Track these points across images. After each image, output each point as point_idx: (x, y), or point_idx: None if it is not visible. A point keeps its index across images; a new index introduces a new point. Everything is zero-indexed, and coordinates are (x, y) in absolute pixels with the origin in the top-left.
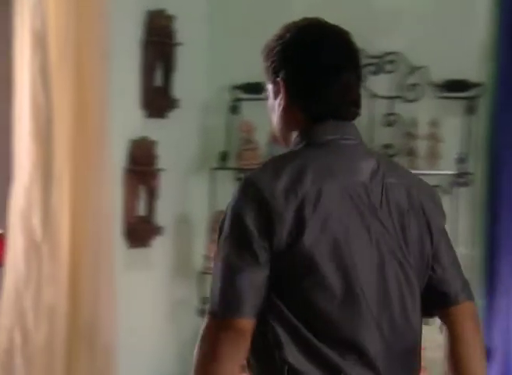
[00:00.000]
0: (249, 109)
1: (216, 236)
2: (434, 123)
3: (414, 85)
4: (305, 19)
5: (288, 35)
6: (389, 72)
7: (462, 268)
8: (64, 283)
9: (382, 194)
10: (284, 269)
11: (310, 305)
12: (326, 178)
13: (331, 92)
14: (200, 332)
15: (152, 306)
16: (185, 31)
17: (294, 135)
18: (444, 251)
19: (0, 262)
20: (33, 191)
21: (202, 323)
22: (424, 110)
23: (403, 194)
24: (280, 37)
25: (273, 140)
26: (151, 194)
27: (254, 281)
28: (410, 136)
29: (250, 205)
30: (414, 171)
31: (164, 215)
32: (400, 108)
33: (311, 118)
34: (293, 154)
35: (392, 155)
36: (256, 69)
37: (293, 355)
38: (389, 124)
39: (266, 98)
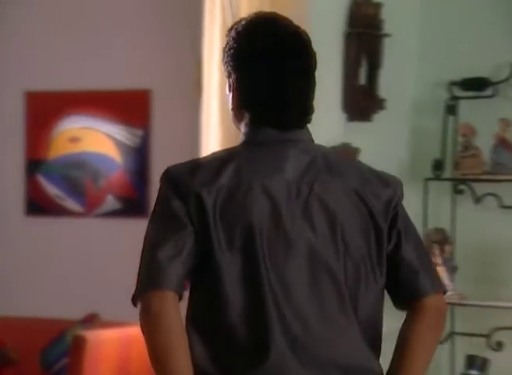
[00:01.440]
0: (468, 109)
1: None
2: None
3: None
4: (252, 21)
5: (238, 38)
6: None
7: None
8: None
9: (309, 194)
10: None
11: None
12: (247, 175)
13: (275, 100)
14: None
15: None
16: (393, 21)
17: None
18: (404, 247)
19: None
20: None
21: None
22: None
23: (341, 194)
24: (233, 38)
25: (500, 144)
26: None
27: (178, 250)
28: None
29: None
30: None
31: None
32: None
33: (255, 120)
34: (226, 150)
35: None
36: (477, 62)
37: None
38: None
39: (490, 96)
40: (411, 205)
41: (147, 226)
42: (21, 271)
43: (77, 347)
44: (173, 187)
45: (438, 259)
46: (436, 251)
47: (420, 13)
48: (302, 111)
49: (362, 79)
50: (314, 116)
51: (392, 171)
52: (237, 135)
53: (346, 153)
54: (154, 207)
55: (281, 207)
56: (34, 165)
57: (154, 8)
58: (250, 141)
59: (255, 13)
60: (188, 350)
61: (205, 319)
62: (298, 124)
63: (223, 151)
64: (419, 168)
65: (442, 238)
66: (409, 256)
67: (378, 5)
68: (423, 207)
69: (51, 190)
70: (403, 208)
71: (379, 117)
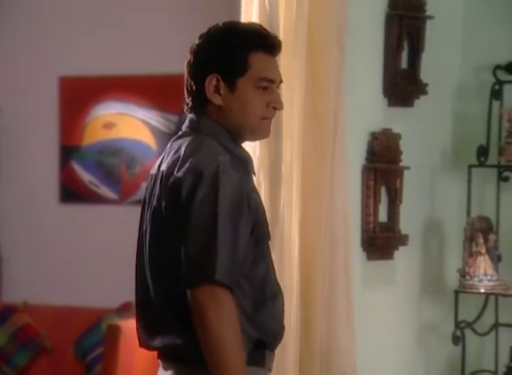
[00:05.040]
0: None
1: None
2: None
3: None
4: None
5: None
6: None
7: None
8: (293, 295)
9: (152, 186)
10: None
11: None
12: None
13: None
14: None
15: (396, 330)
16: (436, 3)
17: None
18: (182, 238)
19: None
20: (260, 191)
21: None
22: None
23: (158, 184)
24: None
25: None
26: (395, 197)
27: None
28: None
29: None
30: None
31: (409, 221)
32: None
33: None
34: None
35: None
36: None
37: None
38: None
39: None
40: (455, 192)
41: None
42: (55, 259)
43: (112, 336)
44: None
45: (482, 248)
46: (480, 239)
47: None
48: (190, 96)
49: (404, 63)
50: (354, 101)
51: (435, 158)
52: (273, 121)
53: (388, 138)
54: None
55: (144, 204)
56: (68, 151)
57: None
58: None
59: None
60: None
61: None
62: (190, 109)
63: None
64: (463, 154)
65: (486, 227)
66: (183, 249)
67: None
68: (467, 194)
69: (86, 176)
70: None
71: (421, 102)
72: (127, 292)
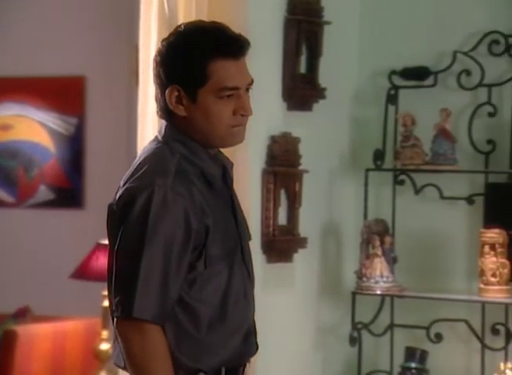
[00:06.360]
0: (409, 99)
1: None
2: None
3: None
4: None
5: None
6: None
7: (123, 282)
8: None
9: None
10: None
11: None
12: None
13: None
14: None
15: (295, 332)
16: (334, 8)
17: None
18: (112, 266)
19: None
20: None
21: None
22: None
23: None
24: None
25: (440, 134)
26: (294, 200)
27: None
28: None
29: None
30: None
31: (308, 224)
32: None
33: None
34: None
35: None
36: (419, 50)
37: None
38: None
39: (430, 86)
40: (352, 195)
41: None
42: None
43: (8, 342)
44: None
45: (378, 250)
46: (376, 242)
47: (360, 0)
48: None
49: (303, 67)
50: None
51: (333, 161)
52: None
53: (287, 142)
54: None
55: None
56: None
57: None
58: None
59: None
60: None
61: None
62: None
63: None
64: (360, 158)
65: (383, 229)
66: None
67: None
68: (364, 198)
69: None
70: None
71: (320, 106)
72: (24, 297)
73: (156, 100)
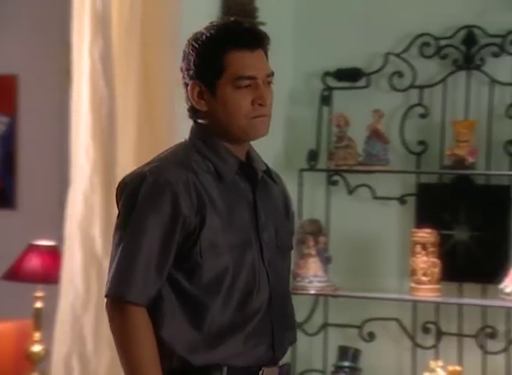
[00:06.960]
0: (343, 100)
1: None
2: None
3: None
4: None
5: None
6: None
7: (111, 262)
8: None
9: None
10: None
11: None
12: None
13: None
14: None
15: None
16: (268, 9)
17: None
18: None
19: (54, 279)
20: (94, 197)
21: None
22: None
23: None
24: None
25: (373, 135)
26: None
27: None
28: None
29: None
30: None
31: None
32: None
33: None
34: None
35: None
36: (352, 51)
37: None
38: None
39: (363, 87)
40: None
41: None
42: None
43: None
44: None
45: (312, 250)
46: (310, 242)
47: (294, 2)
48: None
49: None
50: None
51: (268, 161)
52: (108, 125)
53: None
54: None
55: None
56: None
57: None
58: None
59: None
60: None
61: None
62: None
63: None
64: (294, 159)
65: (317, 229)
66: None
67: None
68: (298, 198)
69: None
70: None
71: None
72: None
73: (186, 101)
